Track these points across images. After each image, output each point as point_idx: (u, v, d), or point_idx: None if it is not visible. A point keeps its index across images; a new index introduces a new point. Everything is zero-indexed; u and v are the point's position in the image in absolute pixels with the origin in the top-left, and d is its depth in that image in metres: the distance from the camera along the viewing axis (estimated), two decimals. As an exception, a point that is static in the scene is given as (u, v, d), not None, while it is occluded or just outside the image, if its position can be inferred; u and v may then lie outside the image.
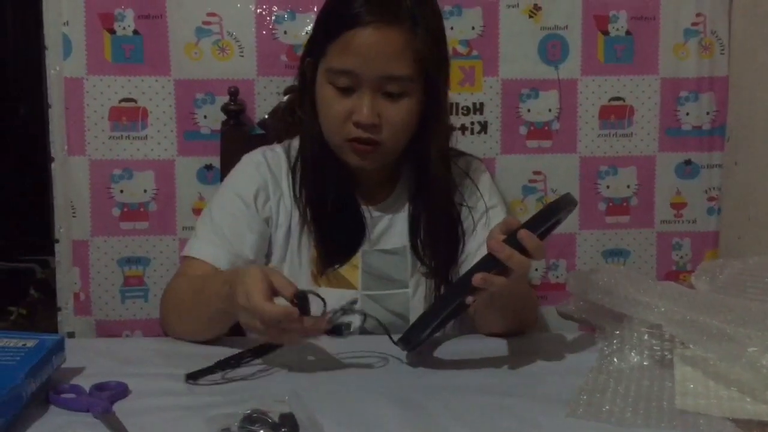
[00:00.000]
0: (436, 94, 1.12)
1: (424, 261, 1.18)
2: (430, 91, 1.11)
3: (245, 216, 1.17)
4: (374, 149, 1.11)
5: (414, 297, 1.19)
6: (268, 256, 1.21)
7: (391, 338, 1.01)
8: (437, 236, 1.17)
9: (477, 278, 0.89)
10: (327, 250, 1.17)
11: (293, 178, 1.20)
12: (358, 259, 1.19)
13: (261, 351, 0.98)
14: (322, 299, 0.94)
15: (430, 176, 1.15)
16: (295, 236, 1.20)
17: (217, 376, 0.93)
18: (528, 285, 1.12)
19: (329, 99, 1.10)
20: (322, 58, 1.11)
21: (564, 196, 0.97)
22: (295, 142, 1.25)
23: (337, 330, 0.95)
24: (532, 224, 0.91)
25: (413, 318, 1.15)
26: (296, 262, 1.19)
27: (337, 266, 1.17)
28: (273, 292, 0.91)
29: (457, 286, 0.98)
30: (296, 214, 1.20)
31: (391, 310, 1.18)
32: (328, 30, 1.10)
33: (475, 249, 1.19)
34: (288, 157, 1.23)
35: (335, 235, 1.17)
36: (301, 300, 0.91)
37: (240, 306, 0.92)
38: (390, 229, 1.20)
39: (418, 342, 1.00)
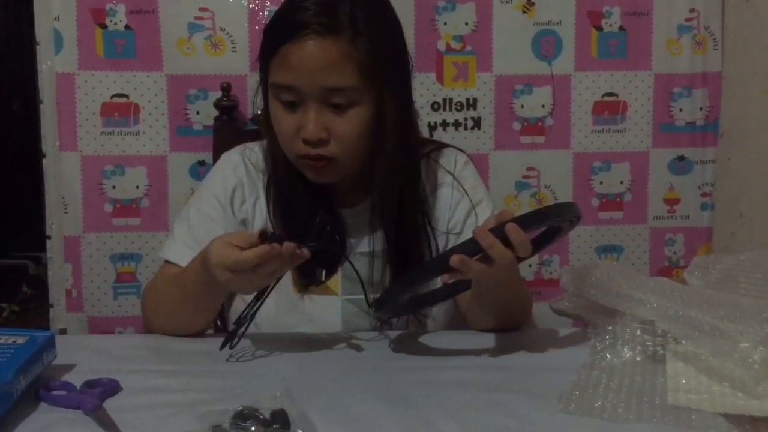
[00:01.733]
0: (391, 96, 1.06)
1: (391, 264, 1.14)
2: (383, 95, 1.05)
3: (221, 219, 1.14)
4: (327, 164, 1.06)
5: None
6: None
7: (366, 299, 1.03)
8: (401, 242, 1.13)
9: (455, 259, 0.88)
10: (307, 276, 1.13)
11: (267, 194, 1.17)
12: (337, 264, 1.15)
13: (260, 295, 1.00)
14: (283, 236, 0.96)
15: (391, 181, 1.10)
16: None
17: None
18: (520, 282, 1.11)
19: (278, 116, 1.07)
20: (268, 74, 1.07)
21: (567, 202, 0.96)
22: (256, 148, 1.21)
23: (311, 275, 1.00)
24: (522, 220, 0.90)
25: (395, 320, 1.13)
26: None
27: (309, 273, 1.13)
28: (240, 249, 0.93)
29: (436, 261, 0.99)
30: (262, 218, 1.16)
31: (371, 314, 1.12)
32: (268, 46, 1.06)
33: None
34: (265, 155, 1.19)
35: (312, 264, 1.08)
36: (270, 237, 0.93)
37: (217, 267, 0.94)
38: (366, 232, 1.16)
39: (392, 308, 1.01)
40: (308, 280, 1.09)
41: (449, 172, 1.20)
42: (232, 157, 1.21)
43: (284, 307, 1.12)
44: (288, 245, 0.92)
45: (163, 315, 1.09)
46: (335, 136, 1.04)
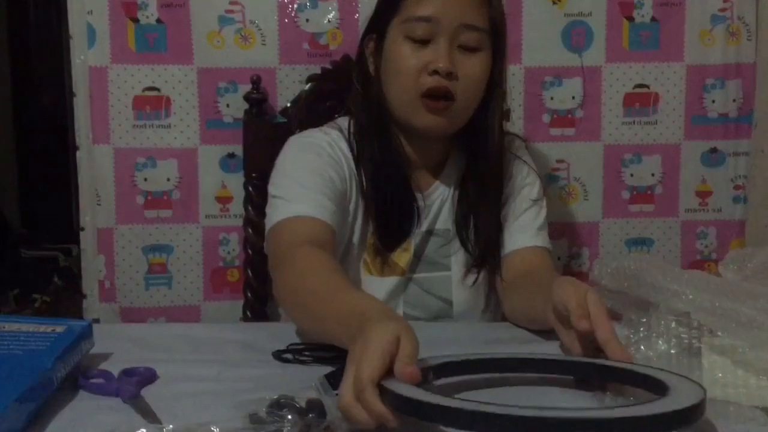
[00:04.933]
0: (500, 60, 1.12)
1: (466, 245, 1.17)
2: (495, 56, 1.12)
3: (328, 175, 1.10)
4: (447, 106, 1.07)
5: (457, 281, 1.18)
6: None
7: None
8: (479, 220, 1.16)
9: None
10: (383, 234, 1.13)
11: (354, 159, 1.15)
12: (410, 243, 1.16)
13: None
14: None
15: (487, 148, 1.13)
16: (355, 223, 1.16)
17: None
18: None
19: (405, 53, 1.08)
20: (397, 14, 1.09)
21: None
22: (344, 124, 1.20)
23: None
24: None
25: (457, 303, 1.15)
26: (351, 249, 1.16)
27: (389, 253, 1.14)
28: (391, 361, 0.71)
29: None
30: (354, 200, 1.15)
31: (434, 293, 1.17)
32: None
33: (510, 221, 1.18)
34: (347, 141, 1.17)
35: (391, 220, 1.13)
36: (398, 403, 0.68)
37: (354, 358, 0.72)
38: (438, 212, 1.19)
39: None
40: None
41: (512, 152, 1.22)
42: (319, 137, 1.16)
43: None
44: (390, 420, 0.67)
45: (302, 322, 0.99)
46: (462, 74, 1.07)
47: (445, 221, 1.19)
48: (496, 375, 0.85)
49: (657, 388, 0.74)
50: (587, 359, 0.85)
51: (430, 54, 1.06)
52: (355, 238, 1.15)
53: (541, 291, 0.97)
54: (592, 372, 0.82)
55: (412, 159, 1.17)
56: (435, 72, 1.06)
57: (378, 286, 1.14)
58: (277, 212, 1.06)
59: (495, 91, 1.13)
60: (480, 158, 1.15)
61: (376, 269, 1.15)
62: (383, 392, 0.68)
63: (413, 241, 1.17)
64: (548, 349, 0.97)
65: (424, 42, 1.07)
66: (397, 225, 1.14)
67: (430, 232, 1.18)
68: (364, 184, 1.14)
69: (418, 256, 1.17)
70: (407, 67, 1.07)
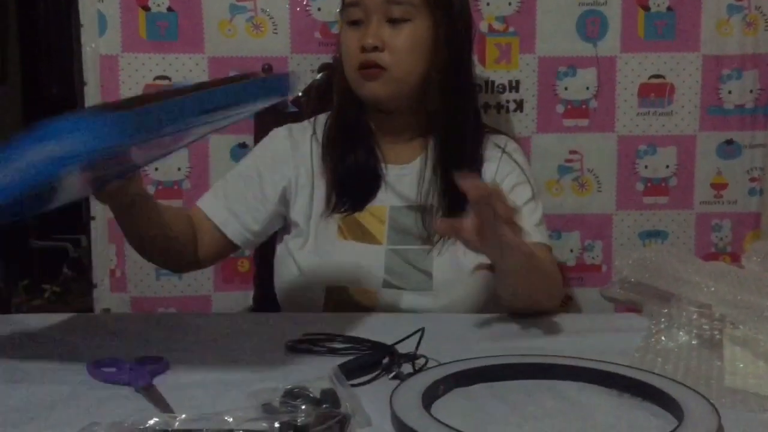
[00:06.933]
0: (446, 26, 1.18)
1: (430, 219, 1.20)
2: (438, 23, 1.18)
3: (256, 184, 1.24)
4: (379, 72, 1.17)
5: (437, 253, 1.19)
6: (290, 225, 1.26)
7: None
8: (448, 194, 1.20)
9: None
10: (341, 194, 1.22)
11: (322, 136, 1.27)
12: (384, 214, 1.22)
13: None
14: None
15: (450, 115, 1.21)
16: (319, 194, 1.24)
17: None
18: (541, 259, 1.10)
19: (346, 37, 1.21)
20: (341, 3, 1.22)
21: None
22: (322, 118, 1.30)
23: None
24: None
25: (436, 276, 1.18)
26: (323, 219, 1.22)
27: (349, 212, 1.22)
28: None
29: None
30: (307, 175, 1.25)
31: (413, 265, 1.19)
32: None
33: None
34: (313, 127, 1.29)
35: (349, 178, 1.23)
36: None
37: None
38: (411, 185, 1.23)
39: None
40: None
41: (500, 147, 1.26)
42: (280, 130, 1.32)
43: (328, 252, 1.19)
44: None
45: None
46: (389, 47, 1.17)
47: (426, 196, 1.22)
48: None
49: (671, 407, 0.73)
50: (605, 367, 0.82)
51: (362, 33, 1.18)
52: (319, 207, 1.23)
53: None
54: (610, 380, 0.81)
55: (382, 133, 1.26)
56: (364, 49, 1.17)
57: (354, 250, 1.19)
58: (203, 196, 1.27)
59: (442, 54, 1.19)
60: (449, 130, 1.22)
61: (351, 234, 1.20)
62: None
63: (388, 213, 1.22)
64: (558, 346, 0.95)
65: (358, 23, 1.19)
66: (356, 186, 1.23)
67: (410, 208, 1.22)
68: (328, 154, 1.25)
69: (395, 229, 1.21)
70: (347, 48, 1.20)
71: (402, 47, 1.17)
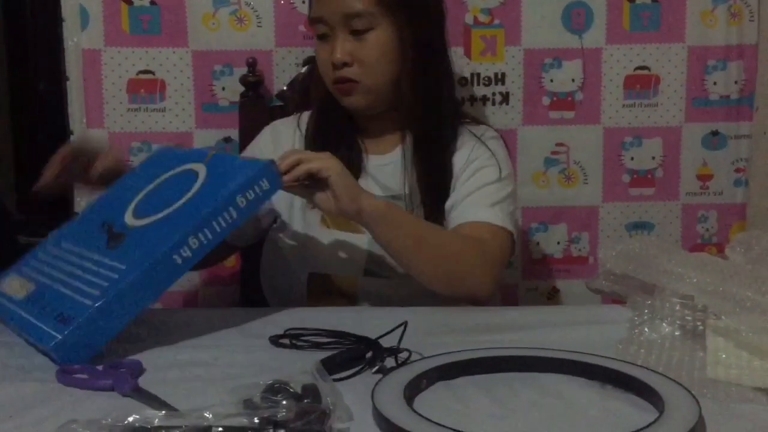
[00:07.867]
0: (409, 28, 1.18)
1: (413, 208, 1.21)
2: (401, 27, 1.18)
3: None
4: (353, 86, 1.19)
5: None
6: (275, 212, 1.27)
7: None
8: (424, 184, 1.22)
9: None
10: None
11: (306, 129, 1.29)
12: None
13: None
14: None
15: (422, 113, 1.22)
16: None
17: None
18: (437, 235, 1.14)
19: (318, 50, 1.22)
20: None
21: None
22: (306, 116, 1.32)
23: None
24: None
25: None
26: (306, 208, 1.23)
27: None
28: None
29: None
30: None
31: None
32: None
33: (460, 198, 1.21)
34: (297, 122, 1.31)
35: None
36: None
37: None
38: (392, 176, 1.24)
39: None
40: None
41: (476, 136, 1.27)
42: (265, 129, 1.34)
43: (310, 240, 1.21)
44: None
45: None
46: (357, 60, 1.18)
47: (405, 186, 1.23)
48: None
49: (653, 398, 0.74)
50: (588, 359, 0.82)
51: (331, 47, 1.19)
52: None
53: None
54: (592, 372, 0.81)
55: (362, 128, 1.28)
56: (335, 65, 1.18)
57: (336, 238, 1.20)
58: None
59: (405, 54, 1.19)
60: (425, 122, 1.23)
61: (334, 223, 1.21)
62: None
63: None
64: (543, 338, 0.95)
65: (326, 36, 1.20)
66: None
67: (390, 197, 1.22)
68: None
69: None
70: (321, 62, 1.23)
71: (369, 58, 1.18)
